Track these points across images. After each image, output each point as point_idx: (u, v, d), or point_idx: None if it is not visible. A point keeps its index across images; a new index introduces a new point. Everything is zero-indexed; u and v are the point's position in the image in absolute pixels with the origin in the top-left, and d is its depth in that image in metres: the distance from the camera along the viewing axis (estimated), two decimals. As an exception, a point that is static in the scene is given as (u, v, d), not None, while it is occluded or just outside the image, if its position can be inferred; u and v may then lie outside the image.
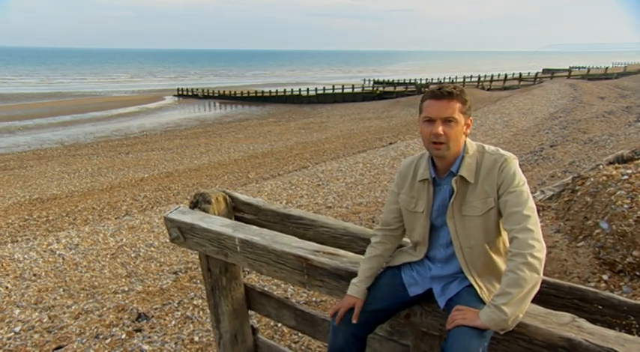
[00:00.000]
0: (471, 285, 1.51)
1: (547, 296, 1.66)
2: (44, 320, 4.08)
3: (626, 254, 3.06)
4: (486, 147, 1.53)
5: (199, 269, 3.52)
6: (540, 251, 1.36)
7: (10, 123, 26.05)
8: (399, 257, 1.70)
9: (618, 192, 3.40)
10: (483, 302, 1.45)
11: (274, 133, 21.09)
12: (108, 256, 5.71)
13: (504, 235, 1.54)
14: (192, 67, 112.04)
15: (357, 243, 2.05)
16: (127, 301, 4.33)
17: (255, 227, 2.16)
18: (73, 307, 4.31)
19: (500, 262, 1.53)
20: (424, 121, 1.51)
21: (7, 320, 4.12)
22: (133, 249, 5.92)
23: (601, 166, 4.57)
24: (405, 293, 1.60)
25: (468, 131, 1.53)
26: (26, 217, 8.83)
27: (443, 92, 1.48)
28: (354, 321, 1.57)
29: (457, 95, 1.48)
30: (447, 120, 1.47)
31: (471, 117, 1.54)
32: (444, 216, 1.55)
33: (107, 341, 3.63)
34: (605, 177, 3.70)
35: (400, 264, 1.68)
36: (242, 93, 40.86)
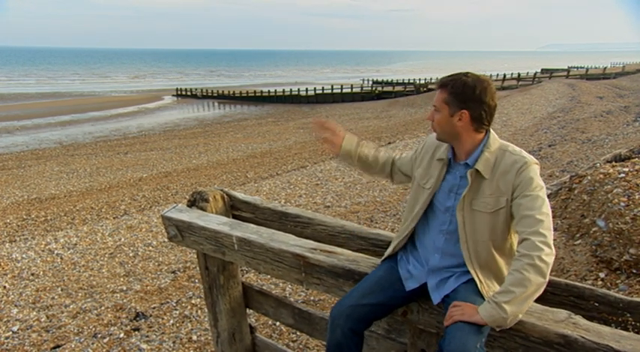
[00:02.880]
0: (468, 281, 1.51)
1: (544, 294, 1.65)
2: (42, 320, 4.08)
3: (623, 252, 3.06)
4: (510, 146, 1.52)
5: (198, 268, 3.51)
6: (549, 255, 1.34)
7: (9, 123, 26.01)
8: (392, 244, 1.75)
9: (615, 190, 3.41)
10: (482, 297, 1.45)
11: (273, 133, 21.08)
12: (106, 255, 5.71)
13: (513, 238, 1.53)
14: (191, 67, 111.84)
15: (355, 241, 2.05)
16: (125, 300, 4.33)
17: (252, 225, 2.16)
18: (71, 306, 4.31)
19: (502, 263, 1.53)
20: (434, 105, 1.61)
21: (5, 319, 4.11)
22: (132, 248, 5.91)
23: (598, 165, 4.57)
24: (402, 287, 1.60)
25: (461, 123, 1.50)
26: (24, 217, 8.81)
27: (440, 81, 1.55)
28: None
29: (446, 85, 1.52)
30: (435, 108, 1.55)
31: (463, 111, 1.48)
32: (451, 201, 1.56)
33: (105, 340, 3.63)
34: (602, 176, 3.71)
35: (394, 252, 1.72)
36: (241, 93, 40.85)
